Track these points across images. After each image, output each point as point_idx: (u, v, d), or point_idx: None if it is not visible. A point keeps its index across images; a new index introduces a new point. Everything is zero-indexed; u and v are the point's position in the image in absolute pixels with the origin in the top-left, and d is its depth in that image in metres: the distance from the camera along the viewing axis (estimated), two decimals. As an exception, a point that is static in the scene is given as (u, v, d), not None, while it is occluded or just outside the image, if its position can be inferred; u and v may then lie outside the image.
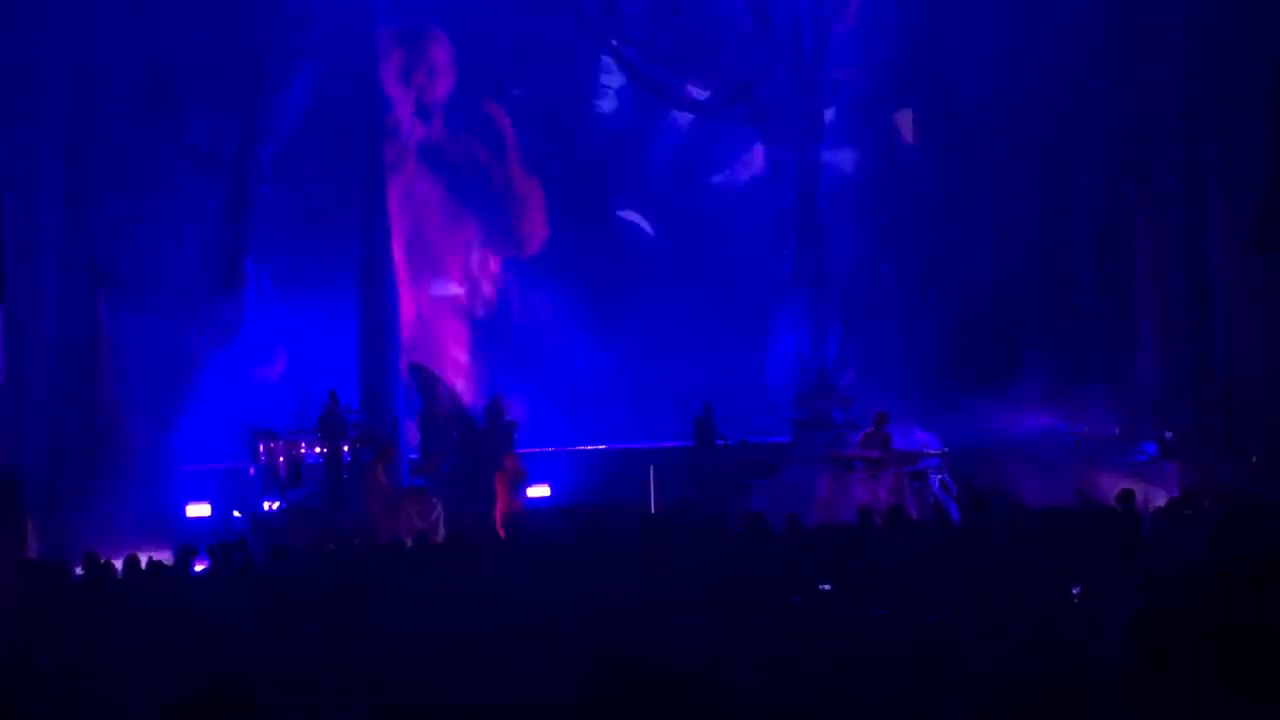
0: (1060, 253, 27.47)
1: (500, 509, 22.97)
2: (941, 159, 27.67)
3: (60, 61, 23.86)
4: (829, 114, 28.58)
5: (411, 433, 26.56)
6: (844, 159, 28.85)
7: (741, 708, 8.27)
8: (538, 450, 26.64)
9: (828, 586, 14.06)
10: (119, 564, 17.32)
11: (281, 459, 24.99)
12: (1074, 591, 13.79)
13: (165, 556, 17.95)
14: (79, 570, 17.47)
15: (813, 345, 28.21)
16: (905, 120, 28.74)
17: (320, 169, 26.52)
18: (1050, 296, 27.47)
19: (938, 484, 23.66)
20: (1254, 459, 23.23)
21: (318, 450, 24.88)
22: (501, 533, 22.16)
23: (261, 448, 25.09)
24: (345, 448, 24.71)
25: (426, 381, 26.83)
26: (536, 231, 29.39)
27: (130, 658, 11.45)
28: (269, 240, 26.13)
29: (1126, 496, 18.83)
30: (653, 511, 24.29)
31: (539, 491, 25.68)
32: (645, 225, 30.11)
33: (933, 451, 24.59)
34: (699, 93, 29.42)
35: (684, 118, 30.16)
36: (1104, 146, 26.84)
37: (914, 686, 9.27)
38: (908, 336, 27.38)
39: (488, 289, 29.36)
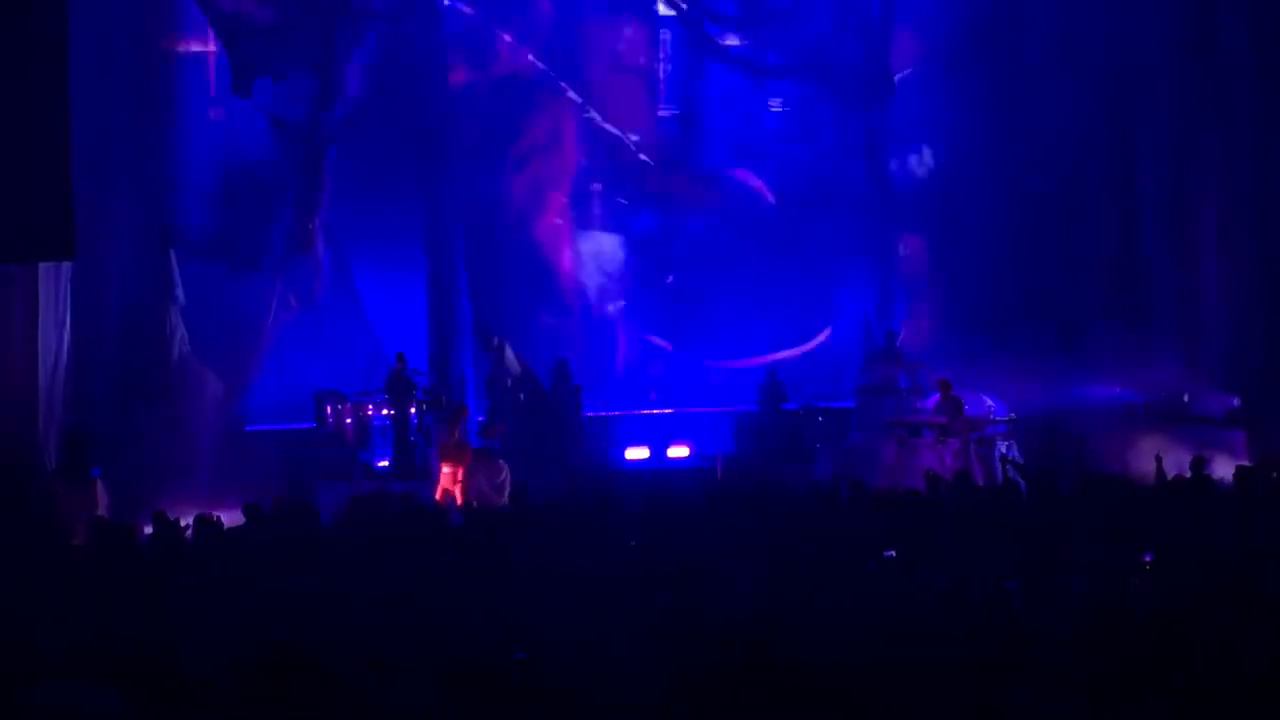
0: (1128, 217, 27.23)
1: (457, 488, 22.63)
2: (1009, 120, 27.39)
3: (128, 20, 23.97)
4: (900, 75, 28.39)
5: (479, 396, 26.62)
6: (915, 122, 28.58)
7: (803, 673, 8.25)
8: (606, 414, 26.71)
9: (892, 553, 13.97)
10: (187, 523, 17.43)
11: (349, 421, 25.07)
12: (1145, 559, 13.67)
13: (234, 516, 18.04)
14: (148, 529, 17.58)
15: (879, 311, 28.10)
16: None
17: (388, 129, 26.49)
18: (1118, 262, 27.24)
19: (1003, 451, 23.54)
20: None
21: (385, 412, 24.94)
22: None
23: (329, 410, 25.18)
24: (412, 410, 24.75)
25: (495, 344, 26.85)
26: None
27: (197, 617, 11.51)
28: (339, 200, 26.16)
29: (1199, 464, 18.73)
30: (718, 476, 24.30)
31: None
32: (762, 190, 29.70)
33: (1000, 418, 24.46)
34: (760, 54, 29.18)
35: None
36: (1171, 110, 26.57)
37: (980, 655, 9.19)
38: (975, 302, 27.20)
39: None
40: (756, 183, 29.24)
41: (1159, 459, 21.09)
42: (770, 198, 29.14)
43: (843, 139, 28.72)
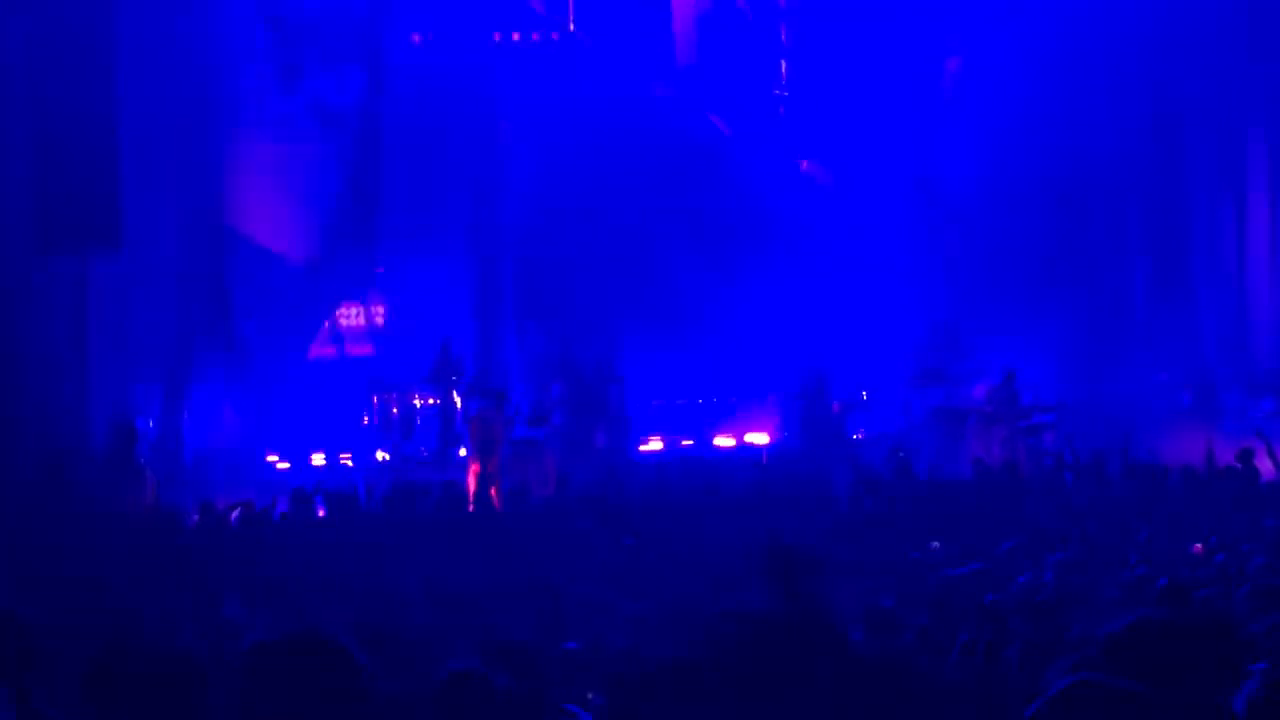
0: (1177, 209, 27.07)
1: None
2: (1061, 112, 27.20)
3: (182, 14, 24.05)
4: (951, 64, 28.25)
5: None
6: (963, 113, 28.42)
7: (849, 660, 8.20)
8: (658, 403, 26.70)
9: (937, 545, 13.94)
10: (235, 513, 17.53)
11: (395, 409, 25.15)
12: (1194, 549, 13.60)
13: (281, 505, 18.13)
14: (195, 518, 17.68)
15: (931, 298, 27.94)
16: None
17: (436, 121, 26.52)
18: (1167, 252, 27.08)
19: (1052, 441, 23.42)
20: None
21: (430, 401, 25.00)
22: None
23: (375, 398, 25.27)
24: (457, 398, 24.79)
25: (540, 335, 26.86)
26: None
27: (241, 603, 11.58)
28: (390, 190, 26.21)
29: (1246, 454, 18.59)
30: (764, 463, 24.26)
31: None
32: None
33: (1047, 406, 24.34)
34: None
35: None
36: (1219, 101, 26.40)
37: (1023, 644, 9.14)
38: (1026, 291, 27.05)
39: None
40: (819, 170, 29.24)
41: (1209, 450, 20.91)
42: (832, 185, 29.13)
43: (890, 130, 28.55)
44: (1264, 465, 18.70)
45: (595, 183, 27.28)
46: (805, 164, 29.25)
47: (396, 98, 26.28)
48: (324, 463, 24.51)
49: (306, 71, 25.73)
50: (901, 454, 20.11)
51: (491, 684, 6.53)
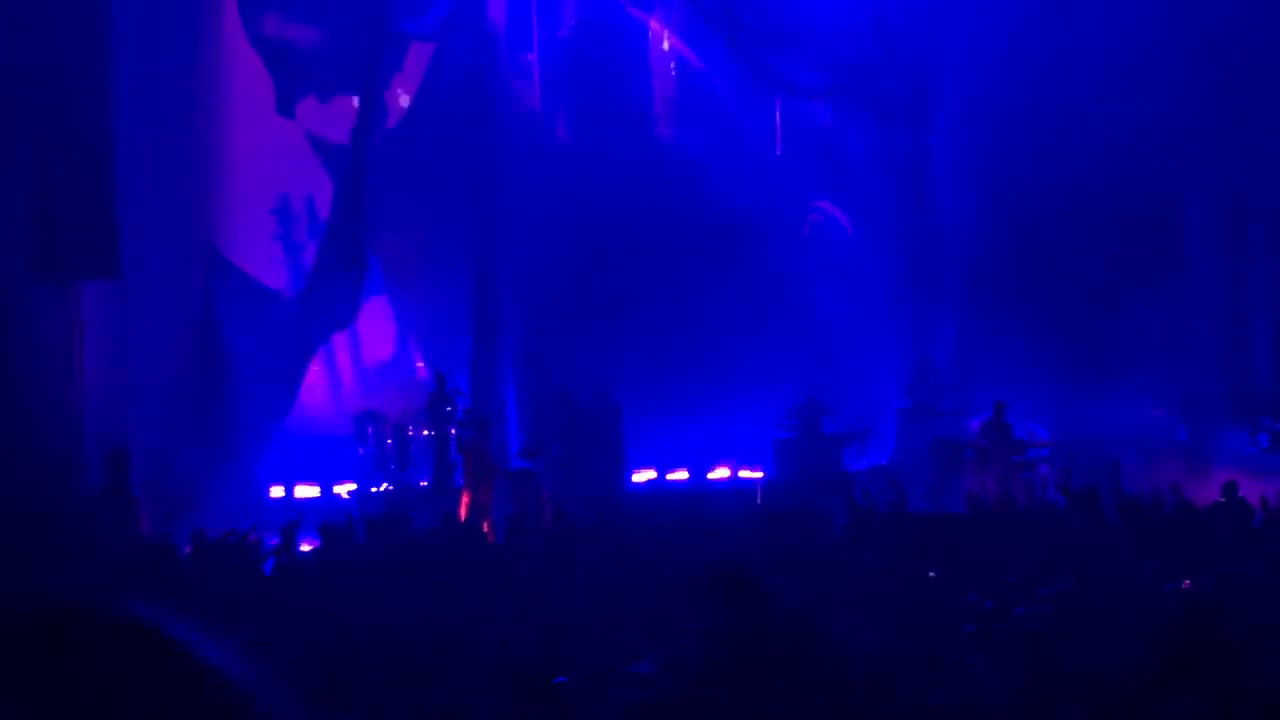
0: (1172, 241, 27.11)
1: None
2: (1053, 146, 27.21)
3: (178, 45, 24.08)
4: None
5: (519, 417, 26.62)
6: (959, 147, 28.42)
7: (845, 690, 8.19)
8: (652, 433, 26.69)
9: (934, 574, 13.93)
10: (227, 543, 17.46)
11: (390, 441, 25.13)
12: (1184, 585, 13.60)
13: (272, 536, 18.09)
14: (187, 549, 17.62)
15: (922, 333, 27.96)
16: None
17: (434, 151, 26.53)
18: (1162, 286, 27.10)
19: (1046, 475, 23.42)
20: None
21: (425, 432, 24.99)
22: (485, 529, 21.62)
23: (370, 430, 25.26)
24: (452, 430, 24.78)
25: (537, 366, 26.85)
26: None
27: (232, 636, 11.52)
28: (383, 222, 26.21)
29: (1231, 488, 18.66)
30: (759, 499, 24.24)
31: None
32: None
33: (1042, 441, 24.36)
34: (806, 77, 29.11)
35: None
36: (1216, 138, 26.47)
37: (1023, 678, 9.14)
38: (1019, 325, 27.05)
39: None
40: (835, 212, 29.26)
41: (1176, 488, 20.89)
42: (848, 228, 29.15)
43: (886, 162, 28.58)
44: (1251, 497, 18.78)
45: (594, 216, 27.36)
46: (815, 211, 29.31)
47: (393, 131, 26.30)
48: (317, 494, 24.51)
49: (302, 100, 25.81)
50: (895, 486, 20.10)
51: None
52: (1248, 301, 26.44)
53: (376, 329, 27.11)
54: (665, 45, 29.08)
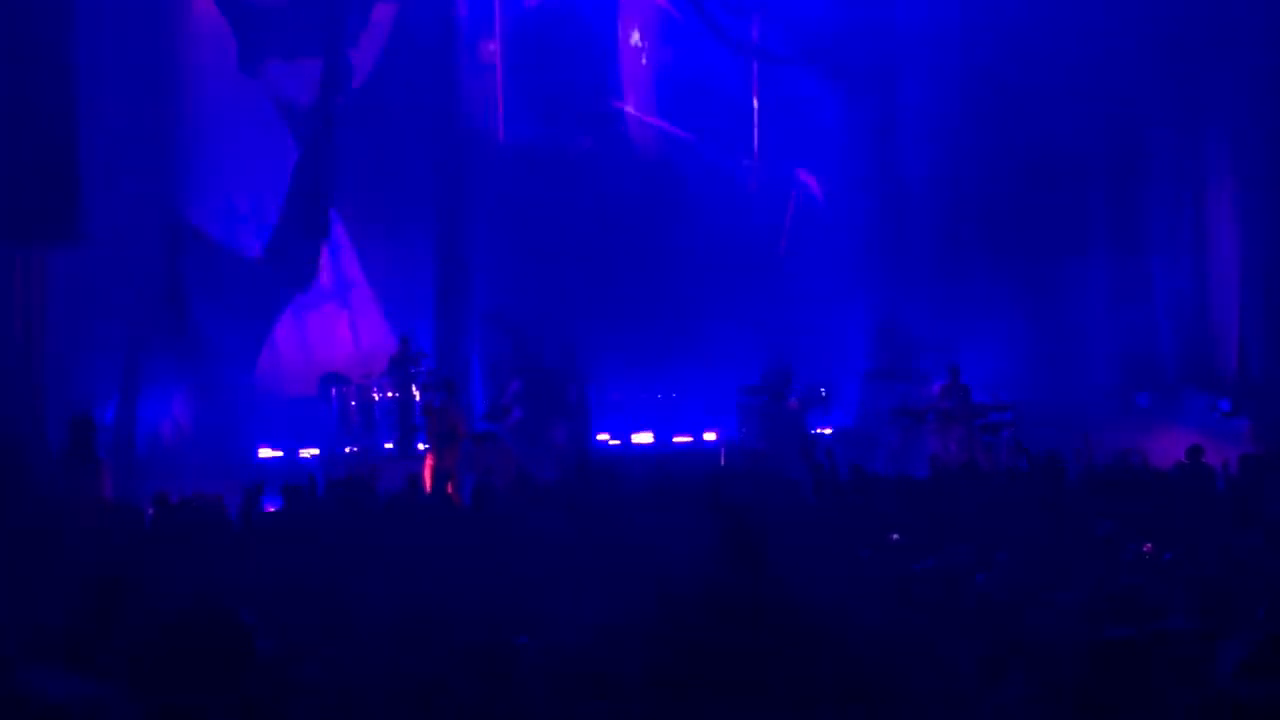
0: (1135, 206, 27.22)
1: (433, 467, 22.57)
2: (1017, 107, 27.23)
3: (141, 5, 23.95)
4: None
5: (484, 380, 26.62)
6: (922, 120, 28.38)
7: (800, 654, 8.23)
8: (618, 397, 26.75)
9: (897, 536, 13.98)
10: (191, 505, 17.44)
11: (353, 403, 25.12)
12: (1144, 549, 13.66)
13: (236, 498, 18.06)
14: (150, 511, 17.60)
15: (889, 300, 28.02)
16: None
17: (398, 111, 26.43)
18: (1120, 250, 27.23)
19: (1009, 438, 23.54)
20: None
21: (390, 395, 24.98)
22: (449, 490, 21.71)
23: (334, 392, 25.23)
24: (417, 392, 24.78)
25: (500, 329, 26.84)
26: None
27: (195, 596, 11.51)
28: (347, 184, 26.13)
29: (1195, 452, 18.74)
30: (722, 461, 24.32)
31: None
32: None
33: (1004, 405, 24.47)
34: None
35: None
36: (1177, 100, 26.56)
37: (980, 642, 9.18)
38: (982, 290, 27.14)
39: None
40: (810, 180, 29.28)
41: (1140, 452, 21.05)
42: (819, 196, 29.18)
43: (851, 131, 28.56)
44: (1213, 460, 18.89)
45: (559, 183, 27.35)
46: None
47: (358, 91, 26.19)
48: (280, 455, 24.52)
49: (266, 62, 25.68)
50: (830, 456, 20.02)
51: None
52: (1210, 268, 26.55)
53: (341, 291, 27.02)
54: (634, 39, 29.04)
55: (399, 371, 24.88)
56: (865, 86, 28.18)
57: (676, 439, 26.55)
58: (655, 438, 26.52)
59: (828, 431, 25.78)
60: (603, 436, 26.31)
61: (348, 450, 24.53)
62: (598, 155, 28.01)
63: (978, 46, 27.08)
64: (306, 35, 25.74)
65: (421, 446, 23.86)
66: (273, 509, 17.70)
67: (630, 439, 26.53)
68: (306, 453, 24.60)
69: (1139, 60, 26.63)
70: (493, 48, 27.84)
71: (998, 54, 26.76)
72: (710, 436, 26.50)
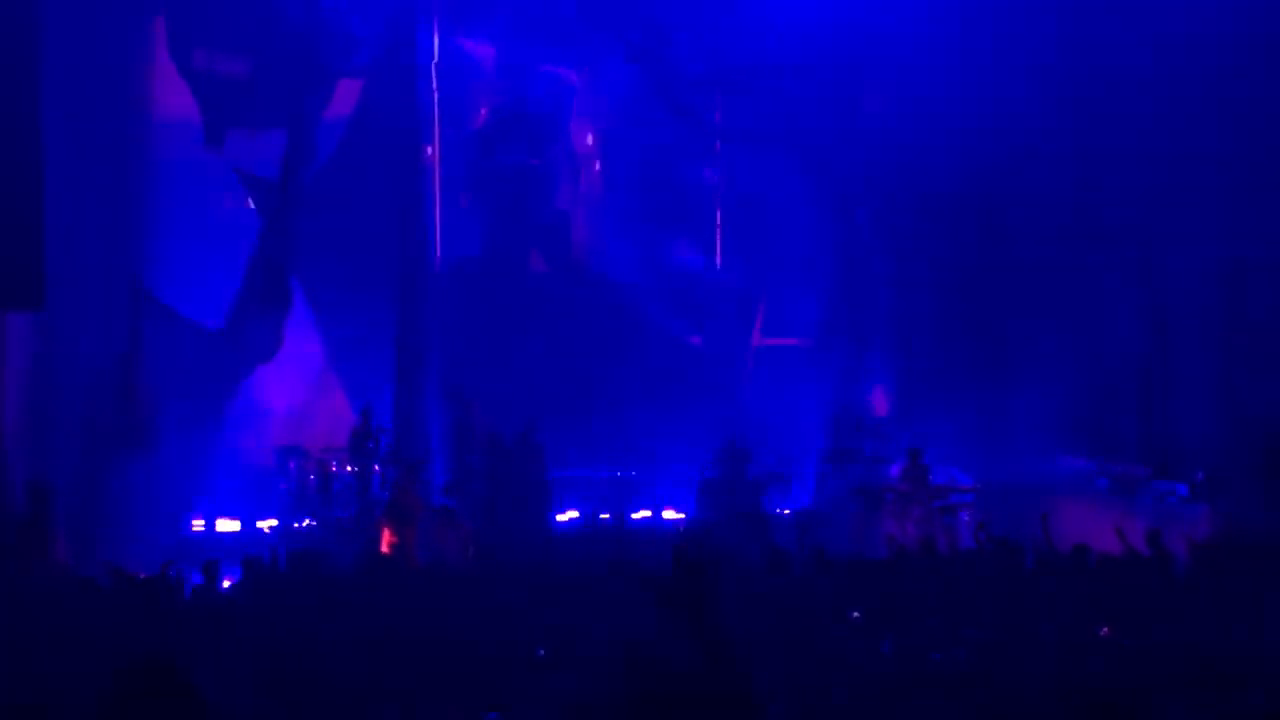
0: (1091, 290, 27.32)
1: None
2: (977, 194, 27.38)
3: (108, 75, 24.00)
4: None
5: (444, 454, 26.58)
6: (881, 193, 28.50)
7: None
8: (572, 474, 26.71)
9: (857, 614, 14.01)
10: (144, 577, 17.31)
11: (312, 477, 25.04)
12: (1101, 632, 13.71)
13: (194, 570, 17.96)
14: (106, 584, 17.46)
15: (846, 379, 28.09)
16: None
17: (361, 187, 26.49)
18: (1080, 336, 27.32)
19: (968, 520, 23.61)
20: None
21: (348, 469, 24.91)
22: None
23: (292, 464, 25.16)
24: (376, 467, 24.72)
25: (460, 402, 26.82)
26: None
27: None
28: (308, 258, 26.17)
29: (1155, 537, 18.78)
30: (678, 541, 24.27)
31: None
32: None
33: (964, 487, 24.56)
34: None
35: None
36: (1140, 198, 26.68)
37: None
38: (940, 371, 27.26)
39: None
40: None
41: (1120, 532, 21.10)
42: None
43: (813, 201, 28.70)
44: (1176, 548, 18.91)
45: (518, 251, 27.47)
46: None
47: (320, 165, 26.27)
48: (238, 529, 24.41)
49: (230, 133, 25.76)
50: (804, 532, 20.07)
51: None
52: (1171, 348, 26.67)
53: (301, 364, 26.98)
54: (589, 140, 29.30)
55: (359, 445, 24.83)
56: (825, 164, 28.29)
57: (635, 515, 26.51)
58: (613, 516, 26.46)
59: (786, 512, 25.77)
60: (563, 516, 26.26)
61: (305, 523, 24.44)
62: (557, 235, 28.21)
63: (939, 123, 27.15)
64: (271, 108, 25.84)
65: (377, 521, 23.78)
66: (230, 581, 17.62)
67: (590, 516, 26.47)
68: (264, 524, 24.49)
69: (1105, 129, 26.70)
70: (430, 151, 27.97)
71: (953, 127, 26.87)
72: (670, 515, 26.49)
